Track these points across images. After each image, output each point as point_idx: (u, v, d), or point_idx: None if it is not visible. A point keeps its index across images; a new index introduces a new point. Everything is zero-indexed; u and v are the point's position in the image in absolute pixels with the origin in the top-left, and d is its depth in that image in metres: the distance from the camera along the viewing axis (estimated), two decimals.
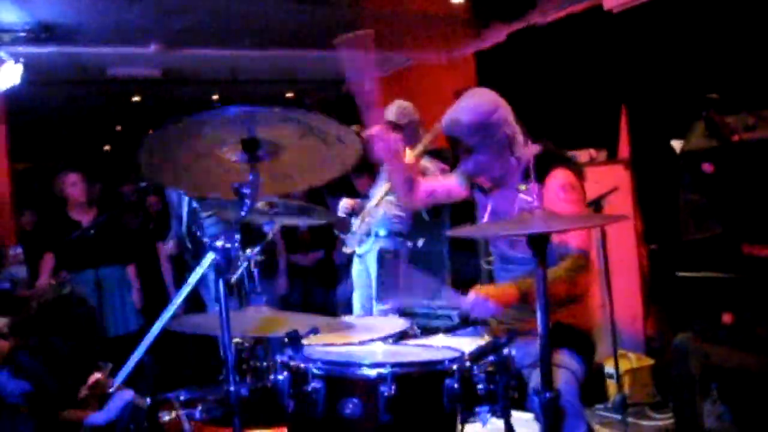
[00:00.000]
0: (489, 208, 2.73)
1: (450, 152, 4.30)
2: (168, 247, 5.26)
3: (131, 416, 3.07)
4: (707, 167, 1.38)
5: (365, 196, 4.72)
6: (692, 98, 4.34)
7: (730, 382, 3.18)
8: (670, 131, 3.88)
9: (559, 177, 2.52)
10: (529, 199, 2.39)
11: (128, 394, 3.10)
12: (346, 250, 4.69)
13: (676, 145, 2.60)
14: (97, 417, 3.07)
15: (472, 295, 2.35)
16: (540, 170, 2.54)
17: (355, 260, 4.68)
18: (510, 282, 2.45)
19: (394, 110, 4.50)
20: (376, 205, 4.44)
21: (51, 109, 8.26)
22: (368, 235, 4.50)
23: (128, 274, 5.40)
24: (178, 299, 1.65)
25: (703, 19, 4.41)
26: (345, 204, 4.58)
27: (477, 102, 2.61)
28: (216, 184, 1.97)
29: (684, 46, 4.55)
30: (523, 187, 2.37)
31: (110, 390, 1.48)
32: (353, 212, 4.54)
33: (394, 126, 4.35)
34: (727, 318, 2.95)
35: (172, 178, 2.10)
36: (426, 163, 4.30)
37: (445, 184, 2.96)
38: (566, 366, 2.40)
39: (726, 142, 1.31)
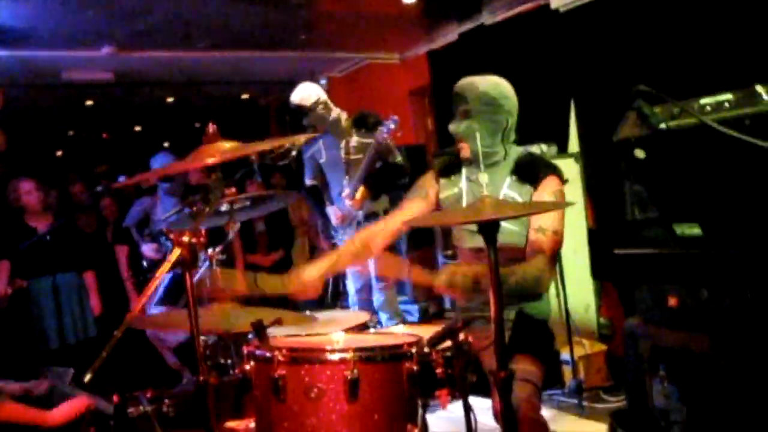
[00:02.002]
0: (465, 197, 2.73)
1: (373, 117, 4.40)
2: (149, 247, 5.18)
3: (92, 421, 3.09)
4: (639, 154, 1.49)
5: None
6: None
7: (676, 362, 3.32)
8: (617, 125, 4.04)
9: (552, 185, 2.60)
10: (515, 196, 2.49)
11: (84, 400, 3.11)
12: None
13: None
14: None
15: (442, 273, 2.33)
16: (532, 172, 2.63)
17: None
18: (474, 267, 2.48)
19: (298, 93, 4.48)
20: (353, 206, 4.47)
21: (2, 113, 8.11)
22: (357, 228, 4.50)
23: (86, 280, 5.36)
24: (149, 292, 1.71)
25: (643, 17, 4.58)
26: (336, 214, 4.59)
27: (498, 81, 2.69)
28: None
29: (625, 43, 4.71)
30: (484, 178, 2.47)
31: (85, 380, 1.52)
32: (343, 219, 4.56)
33: (300, 108, 4.41)
34: (672, 301, 3.08)
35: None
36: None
37: (406, 213, 2.84)
38: (527, 378, 2.43)
39: (654, 130, 1.43)
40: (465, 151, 2.71)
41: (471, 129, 2.64)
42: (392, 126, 4.26)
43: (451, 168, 2.81)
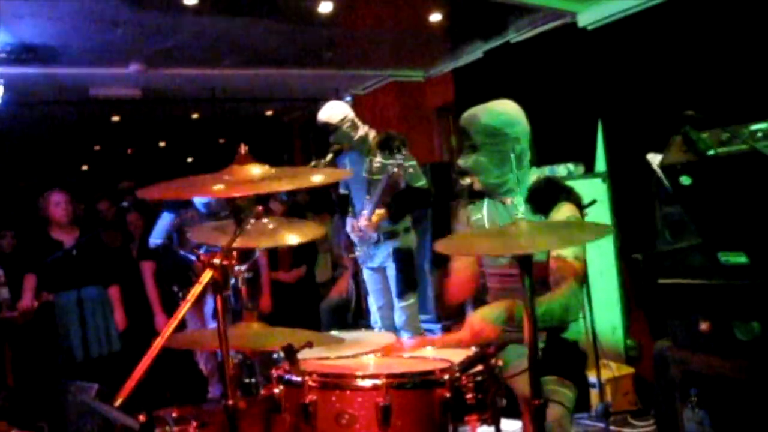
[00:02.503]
0: (486, 222, 2.73)
1: (399, 140, 4.39)
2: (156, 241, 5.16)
3: None
4: (685, 180, 1.46)
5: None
6: (666, 112, 4.48)
7: (709, 387, 3.25)
8: (646, 145, 3.98)
9: (565, 211, 2.54)
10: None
11: None
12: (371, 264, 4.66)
13: (652, 158, 2.68)
14: None
15: (471, 324, 2.32)
16: (545, 200, 2.58)
17: (366, 270, 4.72)
18: (499, 306, 2.41)
19: (325, 112, 4.46)
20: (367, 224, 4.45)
21: (30, 129, 8.23)
22: (375, 246, 4.51)
23: (111, 295, 5.38)
24: (180, 314, 1.69)
25: (675, 36, 4.55)
26: (354, 226, 4.58)
27: (501, 110, 2.64)
28: None
29: (657, 62, 4.67)
30: (509, 200, 2.44)
31: (116, 404, 1.50)
32: (360, 233, 4.55)
33: (327, 126, 4.41)
34: (704, 326, 3.02)
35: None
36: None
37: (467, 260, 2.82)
38: (559, 400, 2.40)
39: (702, 156, 1.39)
40: (476, 185, 2.72)
41: (478, 163, 2.64)
42: (400, 161, 4.25)
43: (475, 193, 2.81)
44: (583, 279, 2.60)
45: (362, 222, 4.43)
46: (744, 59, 4.11)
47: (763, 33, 4.00)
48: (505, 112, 2.64)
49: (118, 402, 1.52)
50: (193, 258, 5.02)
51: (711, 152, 1.45)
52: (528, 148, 2.68)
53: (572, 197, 2.59)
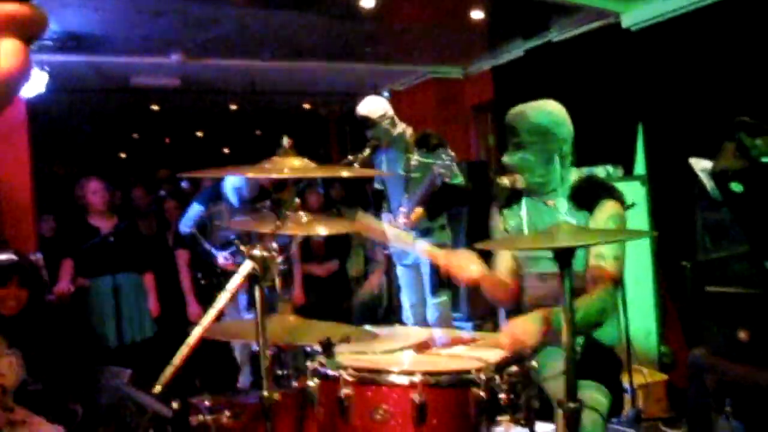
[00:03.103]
0: (525, 224, 2.70)
1: (437, 138, 4.37)
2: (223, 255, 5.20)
3: (152, 424, 3.10)
4: (736, 187, 1.42)
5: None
6: (708, 117, 4.40)
7: (744, 398, 3.20)
8: (686, 149, 3.92)
9: (608, 208, 2.53)
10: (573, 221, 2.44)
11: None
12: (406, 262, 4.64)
13: (695, 162, 2.65)
14: None
15: (513, 330, 2.28)
16: (588, 197, 2.56)
17: (400, 267, 4.70)
18: (537, 315, 2.38)
19: (365, 106, 4.42)
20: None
21: (72, 116, 8.36)
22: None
23: (145, 282, 5.45)
24: (219, 305, 1.70)
25: (720, 40, 4.46)
26: (391, 223, 4.56)
27: (550, 109, 2.62)
28: None
29: (700, 66, 4.59)
30: (551, 202, 2.42)
31: (154, 391, 1.52)
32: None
33: (366, 121, 4.39)
34: (743, 335, 2.97)
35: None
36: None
37: (505, 259, 2.79)
38: (593, 406, 2.38)
39: (754, 163, 1.36)
40: (520, 183, 2.71)
41: (524, 161, 2.61)
42: (448, 163, 4.20)
43: (511, 198, 2.79)
44: (620, 281, 2.58)
45: (401, 219, 4.41)
46: None
47: None
48: (553, 111, 2.62)
49: (156, 389, 1.54)
50: (215, 252, 5.11)
51: (765, 159, 1.42)
52: (571, 150, 2.66)
53: (615, 194, 2.59)
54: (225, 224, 4.98)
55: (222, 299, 1.73)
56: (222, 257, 5.13)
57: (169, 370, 1.58)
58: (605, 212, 2.52)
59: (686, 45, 4.70)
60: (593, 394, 2.43)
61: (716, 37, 4.48)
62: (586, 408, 2.30)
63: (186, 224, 5.29)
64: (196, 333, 1.67)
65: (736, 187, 1.46)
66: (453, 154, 4.26)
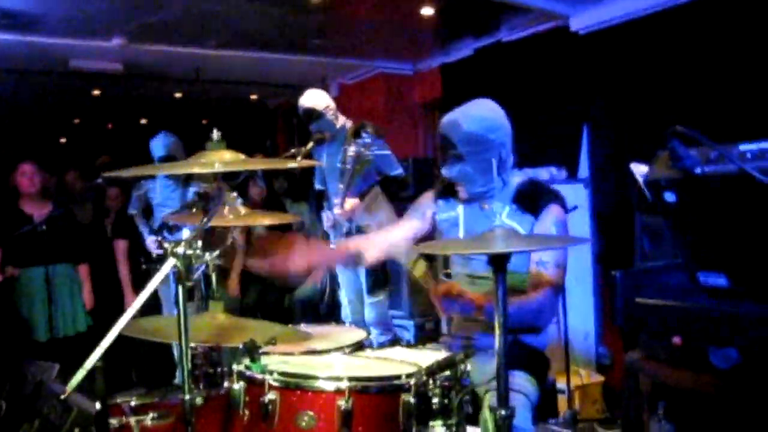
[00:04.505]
0: (462, 224, 2.68)
1: (374, 128, 4.35)
2: (151, 240, 5.07)
3: (76, 422, 2.99)
4: (669, 197, 1.41)
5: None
6: (652, 123, 4.46)
7: (677, 401, 3.24)
8: (629, 153, 3.94)
9: (553, 214, 2.51)
10: (520, 230, 2.42)
11: None
12: None
13: (635, 167, 2.64)
14: None
15: (446, 286, 2.33)
16: (533, 201, 2.54)
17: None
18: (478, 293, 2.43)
19: (309, 98, 4.40)
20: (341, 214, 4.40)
21: (7, 99, 8.05)
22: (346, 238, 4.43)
23: (80, 273, 5.27)
24: (137, 304, 1.62)
25: (666, 47, 4.52)
26: (328, 218, 4.52)
27: (483, 115, 2.54)
28: None
29: (646, 72, 4.65)
30: (486, 205, 2.39)
31: (62, 397, 1.43)
32: (334, 225, 4.49)
33: (311, 113, 4.34)
34: (677, 340, 3.00)
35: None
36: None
37: (404, 230, 2.83)
38: (521, 390, 2.39)
39: (688, 173, 1.35)
40: (462, 194, 2.66)
41: (463, 174, 2.57)
42: (368, 142, 4.18)
43: (450, 190, 2.74)
44: (560, 288, 2.57)
45: (336, 210, 4.37)
46: (734, 76, 4.09)
47: (755, 50, 3.97)
48: (487, 117, 2.55)
49: (66, 393, 1.45)
50: (146, 236, 5.00)
51: (698, 170, 1.41)
52: (511, 150, 2.63)
53: (559, 199, 2.58)
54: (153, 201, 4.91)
55: (140, 299, 1.65)
56: (150, 241, 5.01)
57: (80, 374, 1.50)
58: (551, 217, 2.51)
59: (632, 51, 4.75)
60: (521, 381, 2.44)
61: (662, 43, 4.54)
62: (513, 391, 2.29)
63: (132, 206, 5.17)
64: (111, 334, 1.58)
65: (670, 197, 1.45)
66: (379, 141, 4.25)
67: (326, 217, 4.53)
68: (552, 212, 2.52)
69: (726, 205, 1.38)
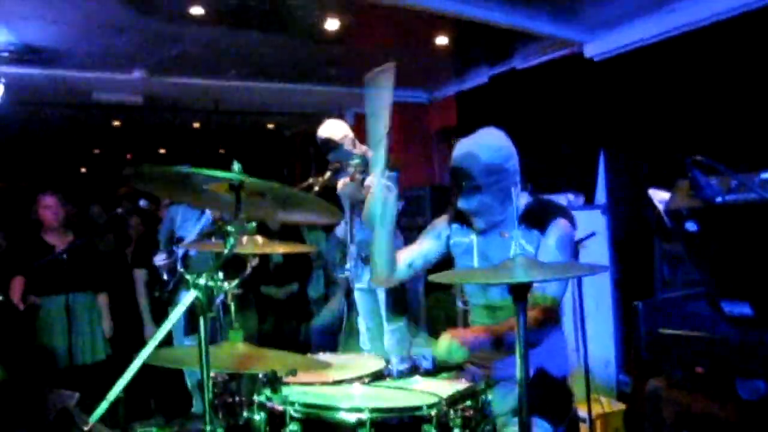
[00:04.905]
0: (476, 251, 2.67)
1: (400, 162, 4.33)
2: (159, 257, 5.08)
3: None
4: (690, 226, 1.41)
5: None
6: (669, 148, 4.45)
7: (701, 429, 3.20)
8: (647, 179, 3.94)
9: (560, 228, 2.50)
10: (529, 248, 2.41)
11: None
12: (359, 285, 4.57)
13: (654, 193, 2.64)
14: None
15: (444, 339, 2.31)
16: (539, 217, 2.53)
17: (356, 291, 4.63)
18: (482, 326, 2.43)
19: (327, 128, 4.39)
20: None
21: (31, 130, 8.19)
22: (363, 264, 4.39)
23: (99, 302, 5.31)
24: (159, 335, 1.63)
25: (683, 73, 4.52)
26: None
27: (498, 144, 2.55)
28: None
29: (662, 97, 4.65)
30: (506, 234, 2.38)
31: (85, 429, 1.44)
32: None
33: (328, 143, 4.35)
34: (699, 369, 2.97)
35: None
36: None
37: (421, 250, 2.80)
38: None
39: (708, 203, 1.35)
40: (479, 224, 2.63)
41: (483, 204, 2.56)
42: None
43: (462, 217, 2.72)
44: (551, 319, 2.50)
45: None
46: (749, 101, 4.08)
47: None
48: (503, 147, 2.56)
49: (89, 425, 1.46)
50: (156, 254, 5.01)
51: (719, 199, 1.41)
52: (520, 174, 2.63)
53: (566, 214, 2.57)
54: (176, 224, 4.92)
55: (162, 330, 1.66)
56: (159, 259, 5.02)
57: (104, 405, 1.51)
58: (556, 230, 2.49)
59: (647, 76, 4.76)
60: (538, 430, 2.37)
61: (677, 69, 4.55)
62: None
63: (161, 233, 5.18)
64: (135, 364, 1.59)
65: (691, 226, 1.45)
66: (395, 172, 4.26)
67: (340, 228, 4.53)
68: (558, 225, 2.50)
69: (748, 233, 1.38)
